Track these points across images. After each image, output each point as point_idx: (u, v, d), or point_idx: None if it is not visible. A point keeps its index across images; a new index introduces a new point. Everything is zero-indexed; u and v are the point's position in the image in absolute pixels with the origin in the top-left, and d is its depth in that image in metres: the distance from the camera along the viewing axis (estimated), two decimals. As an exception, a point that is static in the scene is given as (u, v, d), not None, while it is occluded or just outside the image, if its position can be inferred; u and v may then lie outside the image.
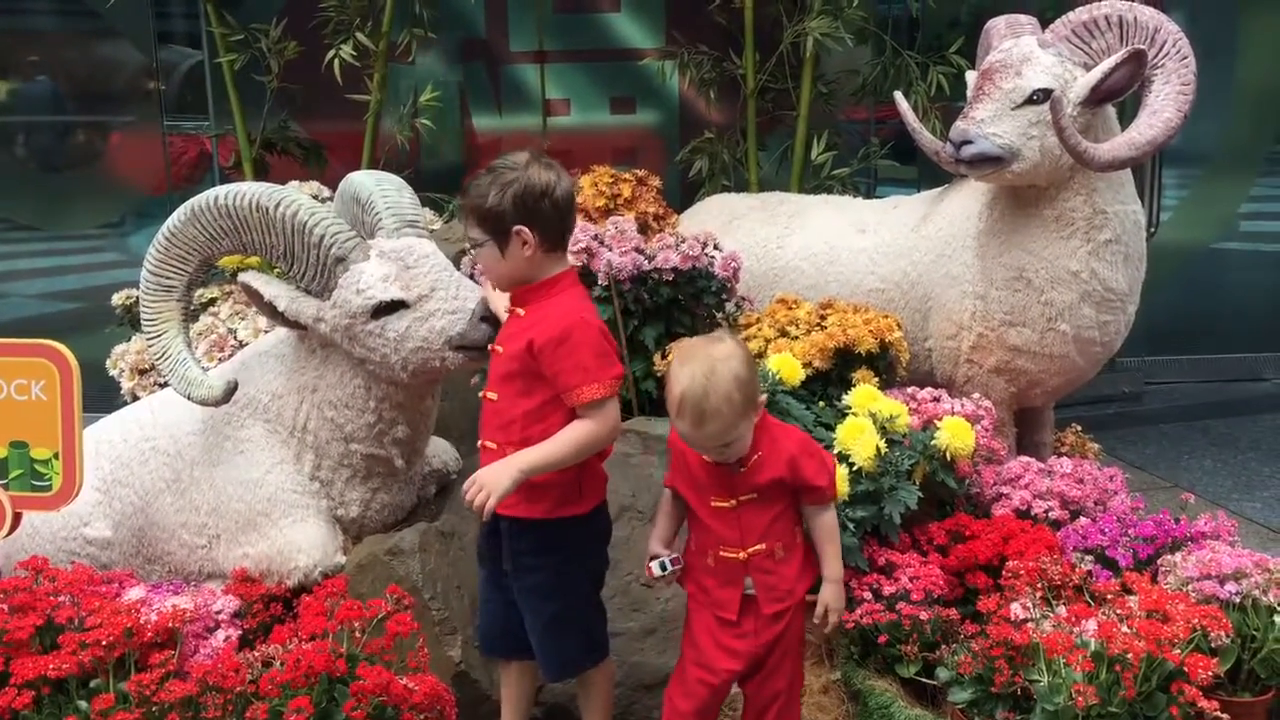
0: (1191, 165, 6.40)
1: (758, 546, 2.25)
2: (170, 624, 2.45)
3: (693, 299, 3.52)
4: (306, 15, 4.71)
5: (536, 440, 2.25)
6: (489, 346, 2.45)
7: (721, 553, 2.27)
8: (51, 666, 2.29)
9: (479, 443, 2.40)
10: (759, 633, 2.27)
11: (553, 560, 2.34)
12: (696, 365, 2.16)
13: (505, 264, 2.30)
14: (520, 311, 2.34)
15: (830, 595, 2.33)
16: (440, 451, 3.25)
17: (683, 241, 3.49)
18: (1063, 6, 3.47)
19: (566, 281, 2.33)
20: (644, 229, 3.90)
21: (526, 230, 2.26)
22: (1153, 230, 5.79)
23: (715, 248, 3.59)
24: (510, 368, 2.29)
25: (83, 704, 2.26)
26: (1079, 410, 4.83)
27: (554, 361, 2.22)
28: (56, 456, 2.72)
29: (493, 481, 2.19)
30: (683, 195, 5.08)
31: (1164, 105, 3.25)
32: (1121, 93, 3.30)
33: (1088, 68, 3.31)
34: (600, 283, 3.38)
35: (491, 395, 2.35)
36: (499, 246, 2.28)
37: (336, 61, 4.46)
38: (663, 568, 2.36)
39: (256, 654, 2.31)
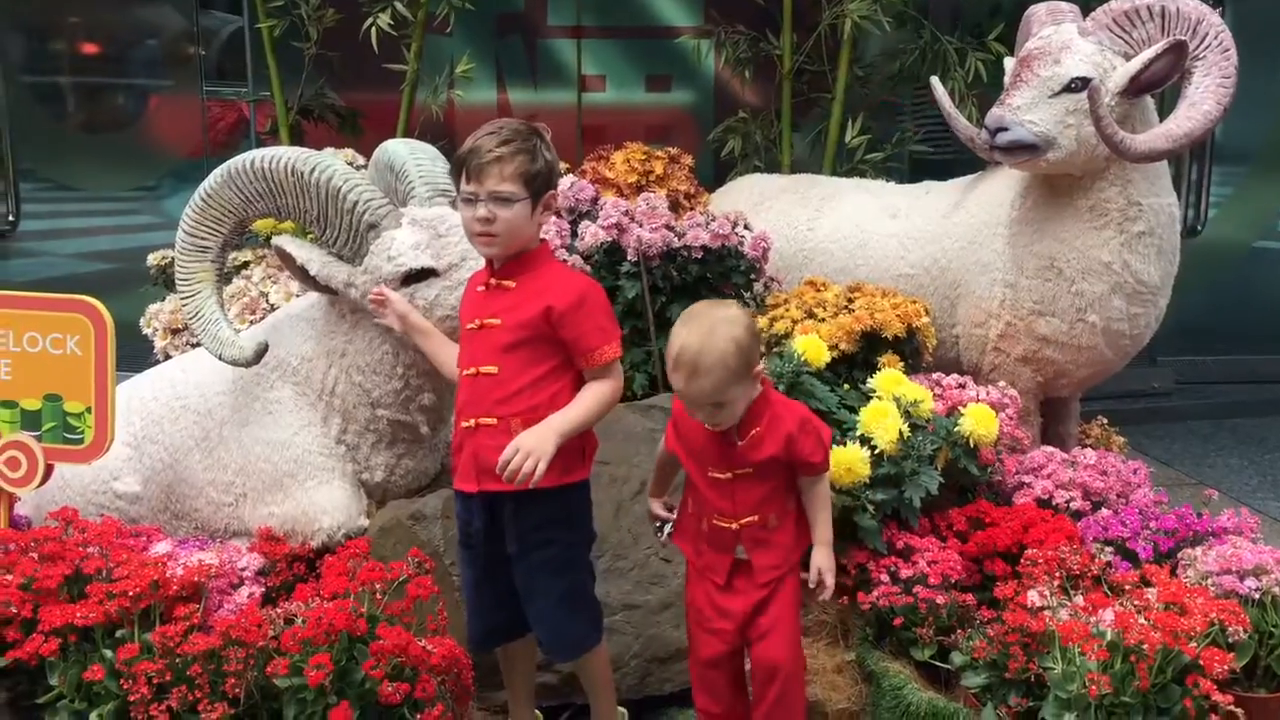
0: (1236, 163, 6.31)
1: (750, 518, 2.26)
2: (196, 578, 2.50)
3: (721, 278, 3.52)
4: (346, -17, 4.73)
5: (543, 407, 2.23)
6: (471, 324, 2.33)
7: (715, 521, 2.28)
8: (79, 615, 2.34)
9: (467, 422, 2.29)
10: (748, 592, 2.29)
11: (561, 531, 2.32)
12: (698, 323, 2.17)
13: (529, 226, 2.27)
14: (510, 284, 2.28)
15: (821, 557, 2.32)
16: (465, 420, 3.28)
17: (713, 220, 3.49)
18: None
19: (548, 252, 2.35)
20: (675, 207, 3.90)
21: (554, 197, 2.30)
22: (1200, 228, 5.73)
23: (745, 227, 3.59)
24: (518, 336, 2.25)
25: (108, 653, 2.29)
26: (1108, 404, 4.80)
27: (575, 325, 2.22)
28: (89, 410, 2.76)
29: (538, 446, 2.15)
30: (715, 175, 5.08)
31: (1203, 98, 3.22)
32: (1161, 84, 3.27)
33: (1128, 57, 3.28)
34: (629, 258, 3.38)
35: (490, 369, 2.27)
36: (532, 207, 2.26)
37: (374, 30, 4.47)
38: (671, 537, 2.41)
39: (279, 611, 2.33)
